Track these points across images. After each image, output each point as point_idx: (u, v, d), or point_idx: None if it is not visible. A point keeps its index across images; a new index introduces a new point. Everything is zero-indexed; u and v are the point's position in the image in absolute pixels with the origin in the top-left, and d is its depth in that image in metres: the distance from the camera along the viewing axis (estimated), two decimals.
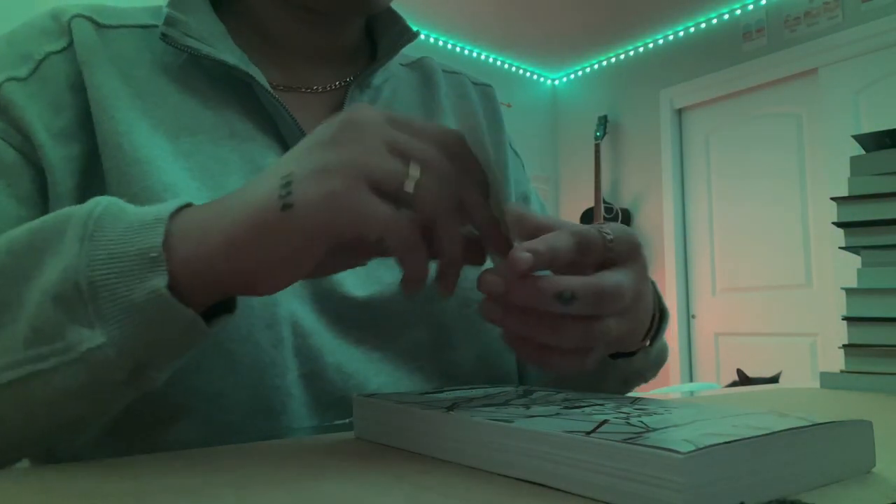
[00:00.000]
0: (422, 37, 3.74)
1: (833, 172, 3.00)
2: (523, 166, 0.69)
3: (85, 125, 0.47)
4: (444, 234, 0.32)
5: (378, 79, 0.59)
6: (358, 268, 0.44)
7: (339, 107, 0.56)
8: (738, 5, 3.44)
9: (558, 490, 0.25)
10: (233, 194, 0.32)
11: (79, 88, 0.47)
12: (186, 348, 0.33)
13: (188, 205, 0.33)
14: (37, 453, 0.38)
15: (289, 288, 0.36)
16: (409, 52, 0.64)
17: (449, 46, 3.88)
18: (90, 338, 0.30)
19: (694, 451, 0.21)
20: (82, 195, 0.45)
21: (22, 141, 0.45)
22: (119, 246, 0.30)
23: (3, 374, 0.31)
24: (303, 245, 0.30)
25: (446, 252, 0.33)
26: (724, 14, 3.51)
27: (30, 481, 0.27)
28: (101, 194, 0.37)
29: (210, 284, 0.31)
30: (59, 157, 0.45)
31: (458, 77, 0.67)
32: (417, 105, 0.62)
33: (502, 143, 0.66)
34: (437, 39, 3.82)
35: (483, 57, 4.05)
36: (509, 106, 4.03)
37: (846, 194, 0.72)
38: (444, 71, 0.66)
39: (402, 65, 0.64)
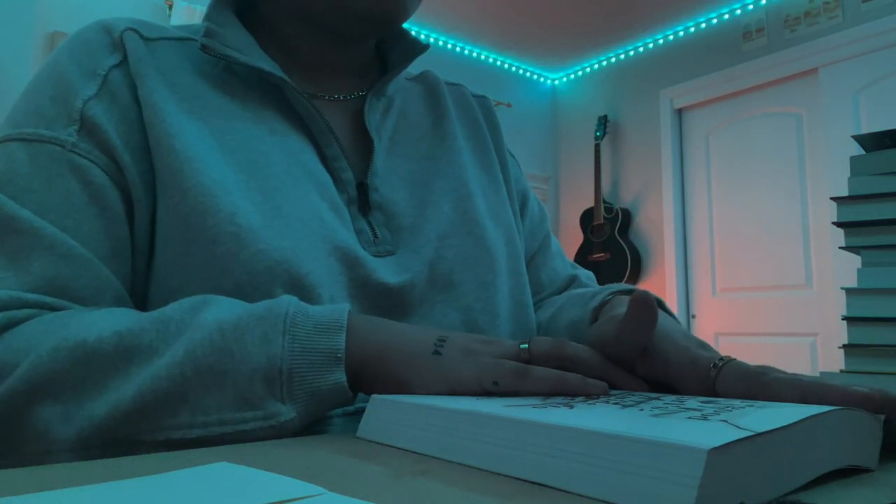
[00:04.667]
0: (422, 36, 3.74)
1: (833, 172, 3.00)
2: (519, 166, 0.76)
3: (148, 137, 0.49)
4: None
5: (391, 88, 0.64)
6: (389, 257, 0.54)
7: (359, 113, 0.61)
8: (738, 5, 3.44)
9: (560, 490, 0.25)
10: (389, 327, 0.43)
11: (136, 100, 0.50)
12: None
13: (351, 311, 0.42)
14: None
15: (329, 274, 0.49)
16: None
17: (449, 46, 3.88)
18: (285, 412, 0.39)
19: (719, 445, 0.21)
20: (154, 208, 0.49)
21: (108, 162, 0.48)
22: (311, 342, 0.40)
23: (212, 428, 0.38)
24: (435, 380, 0.40)
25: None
26: (724, 14, 3.51)
27: (29, 481, 0.27)
28: (164, 202, 0.48)
29: (362, 380, 0.42)
30: (139, 174, 0.49)
31: (459, 88, 0.72)
32: (426, 111, 0.67)
33: (502, 147, 0.72)
34: (437, 39, 3.82)
35: (483, 57, 4.05)
36: (509, 106, 4.03)
37: (846, 194, 0.72)
38: (446, 83, 0.71)
39: (407, 79, 0.69)
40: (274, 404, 0.38)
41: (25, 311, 0.42)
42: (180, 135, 0.49)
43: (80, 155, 0.47)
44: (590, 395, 0.38)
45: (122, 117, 0.49)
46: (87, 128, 0.48)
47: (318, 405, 0.40)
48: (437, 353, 0.41)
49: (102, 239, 0.47)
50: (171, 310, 0.41)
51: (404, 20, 0.57)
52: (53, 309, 0.43)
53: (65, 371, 0.39)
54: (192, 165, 0.48)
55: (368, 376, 0.41)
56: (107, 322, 0.41)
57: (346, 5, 0.55)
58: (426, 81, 0.70)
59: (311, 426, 0.45)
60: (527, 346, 0.42)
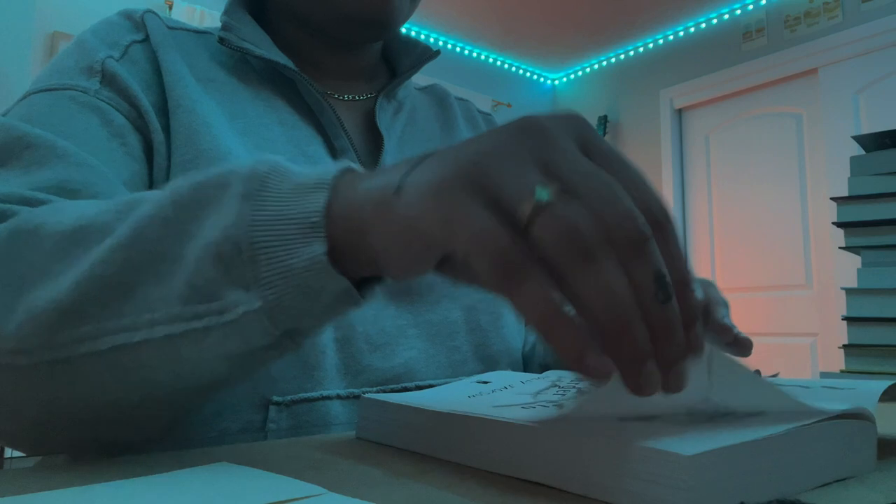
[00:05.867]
0: (422, 36, 3.74)
1: (833, 172, 3.00)
2: None
3: (166, 104, 0.51)
4: (575, 286, 0.23)
5: (401, 94, 0.65)
6: None
7: (369, 113, 0.62)
8: (738, 5, 3.44)
9: (560, 490, 0.25)
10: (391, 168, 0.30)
11: (157, 72, 0.52)
12: (335, 316, 0.31)
13: (350, 170, 0.31)
14: (173, 417, 0.36)
15: None
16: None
17: (449, 46, 3.88)
18: (246, 301, 0.29)
19: (700, 452, 0.21)
20: (170, 160, 0.49)
21: (129, 109, 0.49)
22: (282, 208, 0.29)
23: (157, 329, 0.30)
24: (401, 232, 0.27)
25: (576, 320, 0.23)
26: (724, 14, 3.51)
27: (29, 480, 0.27)
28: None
29: (362, 257, 0.29)
30: (160, 123, 0.50)
31: (467, 104, 0.75)
32: (434, 118, 0.68)
33: None
34: (437, 39, 3.82)
35: (483, 57, 4.05)
36: (509, 106, 4.02)
37: (846, 194, 0.72)
38: (455, 97, 0.74)
39: (416, 89, 0.71)
40: (233, 291, 0.29)
41: (26, 208, 0.37)
42: (199, 102, 0.51)
43: (101, 100, 0.49)
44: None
45: (141, 79, 0.51)
46: (108, 79, 0.49)
47: (296, 292, 0.29)
48: (399, 188, 0.27)
49: (121, 168, 0.47)
50: (153, 191, 0.34)
51: (398, 25, 0.58)
52: None
53: (14, 255, 0.33)
54: (210, 130, 0.49)
55: (350, 248, 0.29)
56: (83, 208, 0.34)
57: (339, 11, 0.56)
58: (435, 93, 0.72)
59: (311, 415, 0.45)
60: (544, 195, 0.23)
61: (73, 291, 0.30)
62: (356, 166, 0.32)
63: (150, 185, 0.49)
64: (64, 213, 0.34)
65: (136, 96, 0.49)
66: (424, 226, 0.26)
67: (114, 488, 0.24)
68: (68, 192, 0.41)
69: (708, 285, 0.54)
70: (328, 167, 0.31)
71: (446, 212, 0.25)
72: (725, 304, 0.52)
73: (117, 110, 0.49)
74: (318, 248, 0.28)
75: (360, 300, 0.31)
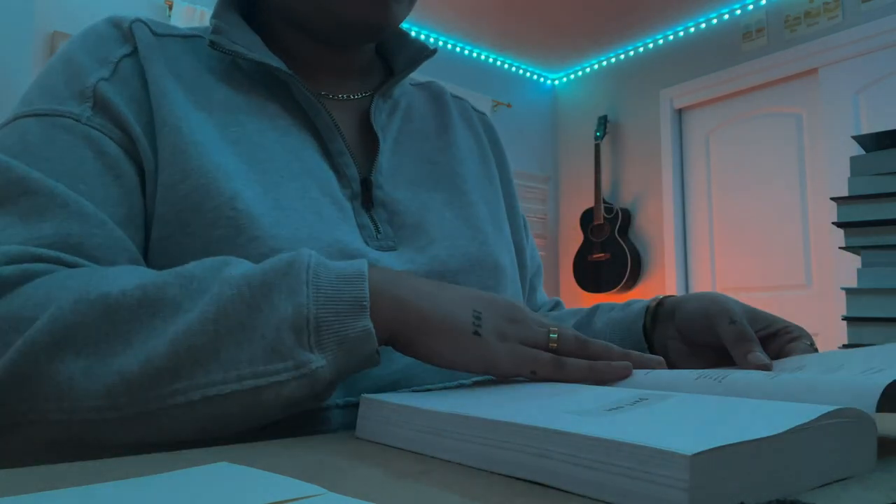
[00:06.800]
0: (422, 37, 3.74)
1: (833, 172, 3.00)
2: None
3: (154, 118, 0.50)
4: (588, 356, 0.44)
5: (396, 92, 0.65)
6: (391, 252, 0.54)
7: (364, 113, 0.61)
8: (738, 5, 3.44)
9: (560, 490, 0.25)
10: (415, 287, 0.42)
11: (146, 87, 0.51)
12: (357, 371, 0.41)
13: (370, 266, 0.42)
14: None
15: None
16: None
17: (449, 46, 3.88)
18: (315, 360, 0.38)
19: (701, 451, 0.21)
20: (156, 189, 0.50)
21: (121, 136, 0.49)
22: (335, 291, 0.39)
23: (245, 382, 0.37)
24: (474, 360, 0.42)
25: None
26: (724, 14, 3.51)
27: (29, 480, 0.27)
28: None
29: (398, 342, 0.42)
30: (151, 149, 0.50)
31: (462, 102, 0.75)
32: (430, 116, 0.68)
33: (506, 166, 0.74)
34: (436, 39, 3.82)
35: (483, 57, 4.05)
36: (509, 106, 4.02)
37: (846, 194, 0.72)
38: (451, 95, 0.73)
39: (411, 84, 0.71)
40: (303, 353, 0.38)
41: (41, 266, 0.41)
42: (186, 118, 0.50)
43: (94, 128, 0.48)
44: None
45: (132, 99, 0.50)
46: (100, 105, 0.49)
47: (348, 354, 0.39)
48: (476, 333, 0.41)
49: (117, 205, 0.47)
50: (193, 267, 0.41)
51: (392, 27, 0.58)
52: (69, 265, 0.43)
53: (88, 324, 0.38)
54: (197, 148, 0.49)
55: (405, 341, 0.42)
56: (128, 277, 0.40)
57: (333, 14, 0.56)
58: (431, 89, 0.72)
59: (311, 425, 0.46)
60: (556, 335, 0.44)
61: (166, 356, 0.37)
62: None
63: (146, 211, 0.49)
64: (117, 282, 0.39)
65: (128, 122, 0.49)
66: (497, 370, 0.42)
67: (114, 488, 0.24)
68: (70, 246, 0.44)
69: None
70: (355, 263, 0.41)
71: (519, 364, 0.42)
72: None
73: (110, 138, 0.48)
74: (367, 322, 0.39)
75: (378, 361, 0.41)
